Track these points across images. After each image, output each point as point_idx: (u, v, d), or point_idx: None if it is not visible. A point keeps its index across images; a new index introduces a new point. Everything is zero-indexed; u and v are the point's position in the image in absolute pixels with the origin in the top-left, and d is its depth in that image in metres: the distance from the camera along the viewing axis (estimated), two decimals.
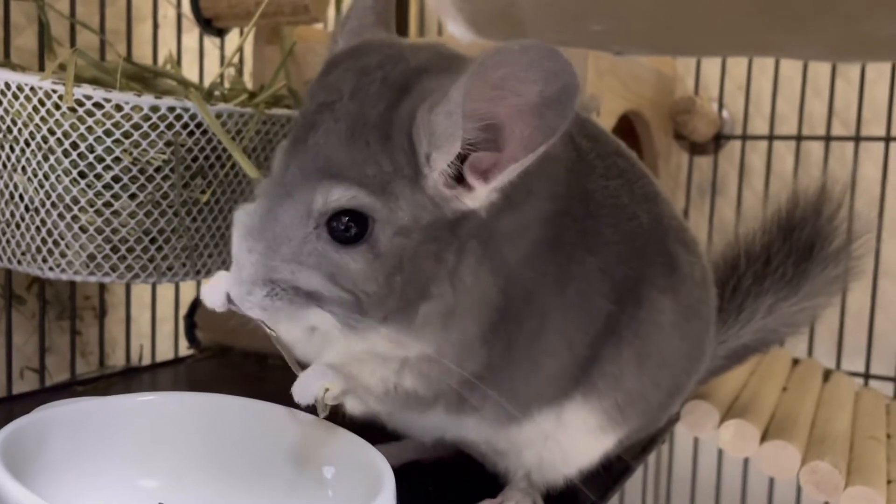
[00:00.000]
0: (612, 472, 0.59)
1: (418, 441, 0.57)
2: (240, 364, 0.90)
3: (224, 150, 0.67)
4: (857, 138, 0.97)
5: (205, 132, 0.65)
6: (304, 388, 0.46)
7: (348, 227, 0.42)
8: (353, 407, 0.49)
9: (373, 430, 0.51)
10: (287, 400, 0.50)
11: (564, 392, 0.49)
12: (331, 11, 0.93)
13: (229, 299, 0.45)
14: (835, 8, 0.44)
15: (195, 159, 0.65)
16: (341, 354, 0.47)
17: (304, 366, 0.49)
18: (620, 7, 0.52)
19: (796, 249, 0.68)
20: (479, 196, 0.43)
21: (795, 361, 0.98)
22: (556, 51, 0.38)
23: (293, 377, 0.65)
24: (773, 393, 0.85)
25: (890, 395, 0.99)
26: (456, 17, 0.51)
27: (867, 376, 0.98)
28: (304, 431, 0.48)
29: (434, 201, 0.43)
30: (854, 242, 0.69)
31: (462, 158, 0.42)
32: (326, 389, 0.46)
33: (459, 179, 0.43)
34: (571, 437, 0.51)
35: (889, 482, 0.71)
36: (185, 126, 0.63)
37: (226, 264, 0.73)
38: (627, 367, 0.49)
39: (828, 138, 0.98)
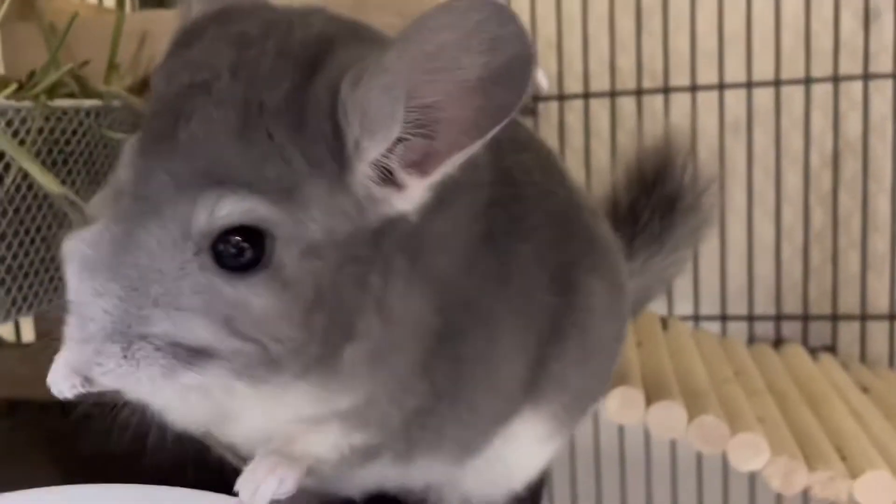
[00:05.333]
0: None
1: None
2: (40, 421, 0.73)
3: (2, 156, 0.53)
4: (666, 90, 0.99)
5: None
6: (255, 487, 0.37)
7: (241, 251, 0.33)
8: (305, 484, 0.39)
9: None
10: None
11: (519, 403, 0.43)
12: None
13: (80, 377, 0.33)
14: None
15: None
16: (265, 426, 0.38)
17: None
18: None
19: (660, 205, 0.66)
20: (413, 195, 0.35)
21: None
22: (505, 11, 0.31)
23: (113, 427, 0.52)
24: (631, 350, 0.85)
25: (717, 332, 1.04)
26: None
27: (696, 318, 1.02)
28: None
29: (359, 204, 0.34)
30: (705, 191, 0.70)
31: (389, 149, 0.34)
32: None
33: (384, 177, 0.35)
34: (518, 451, 0.45)
35: (759, 422, 0.73)
36: None
37: (17, 305, 0.58)
38: (571, 363, 0.44)
39: (639, 92, 1.00)
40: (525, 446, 0.45)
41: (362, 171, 0.34)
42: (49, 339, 0.39)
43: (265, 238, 0.33)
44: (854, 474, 0.67)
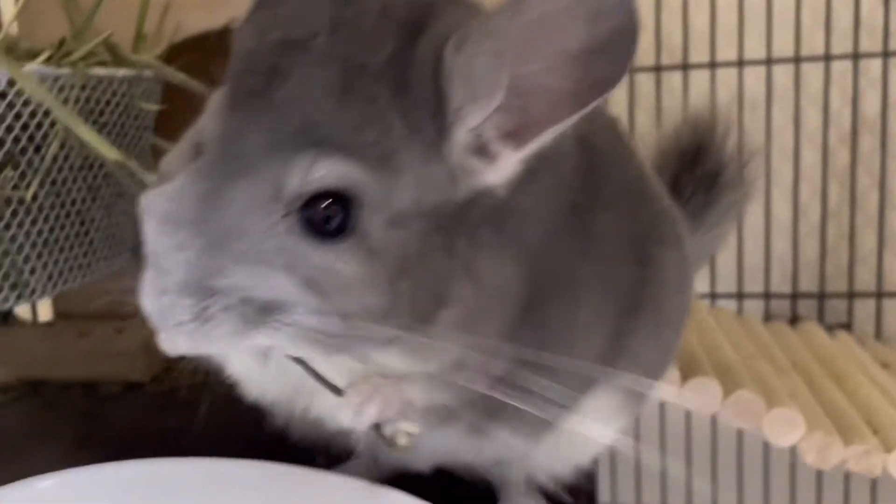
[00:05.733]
0: None
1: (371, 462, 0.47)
2: (63, 401, 0.71)
3: (39, 126, 0.51)
4: (685, 67, 0.99)
5: (9, 105, 0.48)
6: (358, 408, 0.36)
7: (329, 216, 0.32)
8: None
9: None
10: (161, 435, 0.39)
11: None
12: None
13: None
14: None
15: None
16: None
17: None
18: None
19: (704, 180, 0.66)
20: (504, 167, 0.34)
21: None
22: None
23: (139, 406, 0.50)
24: None
25: (733, 310, 1.04)
26: None
27: (713, 296, 1.02)
28: None
29: (452, 174, 0.33)
30: (747, 165, 0.69)
31: (487, 117, 0.33)
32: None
33: (478, 148, 0.34)
34: (589, 426, 0.44)
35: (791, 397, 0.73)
36: None
37: (52, 281, 0.56)
38: (645, 337, 0.43)
39: (657, 69, 0.99)
40: (596, 421, 0.44)
41: (459, 140, 0.33)
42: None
43: (353, 204, 0.32)
44: (888, 448, 0.67)
